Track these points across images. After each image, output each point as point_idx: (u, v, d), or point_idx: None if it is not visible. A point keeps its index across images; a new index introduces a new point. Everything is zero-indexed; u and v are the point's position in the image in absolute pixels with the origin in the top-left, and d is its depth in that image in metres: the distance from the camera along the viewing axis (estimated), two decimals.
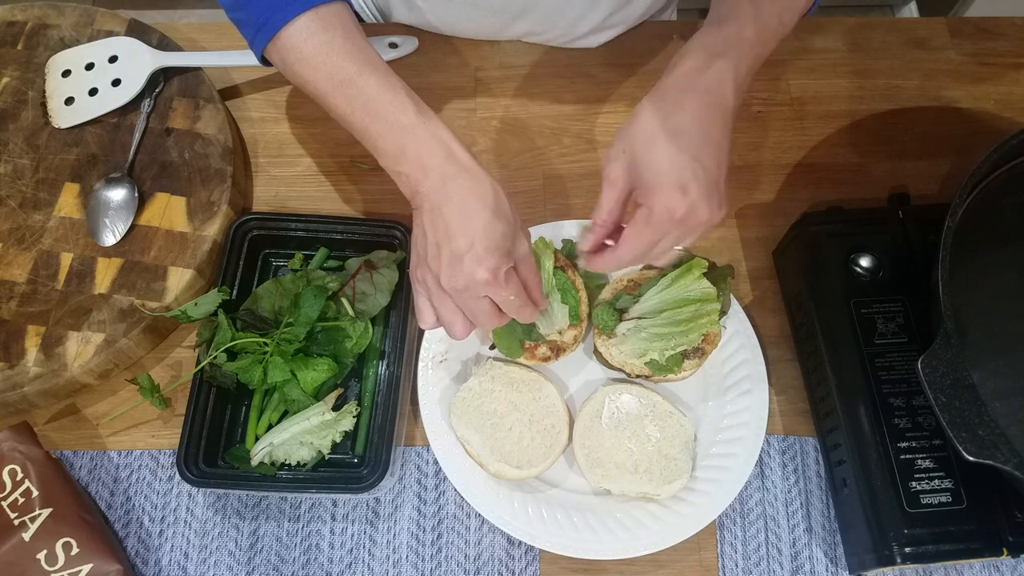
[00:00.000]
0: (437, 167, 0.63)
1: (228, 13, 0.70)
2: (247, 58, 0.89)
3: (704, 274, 0.74)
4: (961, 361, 0.60)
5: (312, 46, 0.65)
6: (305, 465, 0.73)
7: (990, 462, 0.58)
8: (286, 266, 0.82)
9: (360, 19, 1.04)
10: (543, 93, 0.93)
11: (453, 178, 0.63)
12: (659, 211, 0.61)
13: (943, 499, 0.67)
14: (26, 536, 0.69)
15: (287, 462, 0.72)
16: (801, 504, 0.76)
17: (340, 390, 0.75)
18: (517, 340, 0.74)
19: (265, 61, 0.70)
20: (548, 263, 0.75)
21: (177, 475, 0.74)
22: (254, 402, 0.75)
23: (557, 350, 0.75)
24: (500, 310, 0.65)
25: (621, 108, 0.92)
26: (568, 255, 0.78)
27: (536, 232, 0.81)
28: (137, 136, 0.84)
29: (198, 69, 0.88)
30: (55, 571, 0.68)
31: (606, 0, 0.87)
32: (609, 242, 0.67)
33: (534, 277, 0.68)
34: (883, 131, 0.92)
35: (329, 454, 0.74)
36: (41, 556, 0.68)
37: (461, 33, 0.95)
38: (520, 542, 0.74)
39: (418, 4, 0.91)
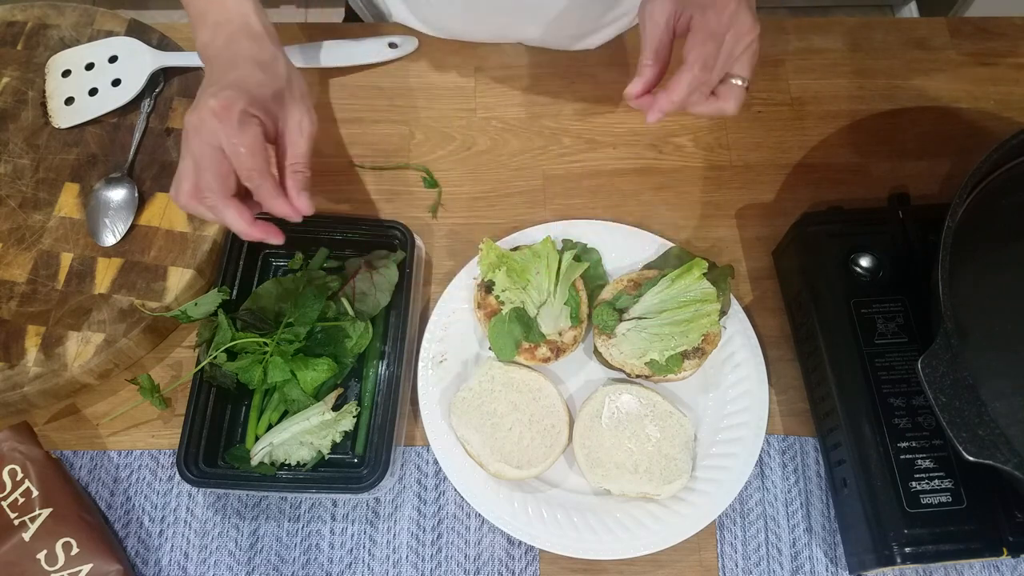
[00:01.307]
0: (226, 31, 0.66)
1: None
2: None
3: (704, 274, 0.74)
4: (961, 361, 0.60)
5: None
6: (305, 465, 0.73)
7: (990, 462, 0.58)
8: (286, 266, 0.82)
9: (359, 19, 1.04)
10: (543, 93, 0.93)
11: (237, 40, 0.65)
12: (713, 18, 0.62)
13: (943, 499, 0.67)
14: (26, 536, 0.69)
15: (287, 462, 0.72)
16: (801, 504, 0.76)
17: (340, 390, 0.75)
18: (512, 341, 0.74)
19: None
20: (553, 262, 0.76)
21: (177, 475, 0.74)
22: (254, 402, 0.75)
23: (557, 350, 0.76)
24: (227, 170, 0.61)
25: (621, 108, 0.92)
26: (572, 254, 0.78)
27: (537, 232, 0.82)
28: (137, 136, 0.84)
29: (198, 69, 0.88)
30: (55, 571, 0.68)
31: (598, 2, 0.87)
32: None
33: (296, 152, 0.64)
34: (883, 131, 0.92)
35: (329, 454, 0.74)
36: (41, 556, 0.68)
37: (459, 36, 0.95)
38: (520, 542, 0.74)
39: (418, 7, 0.91)
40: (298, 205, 0.64)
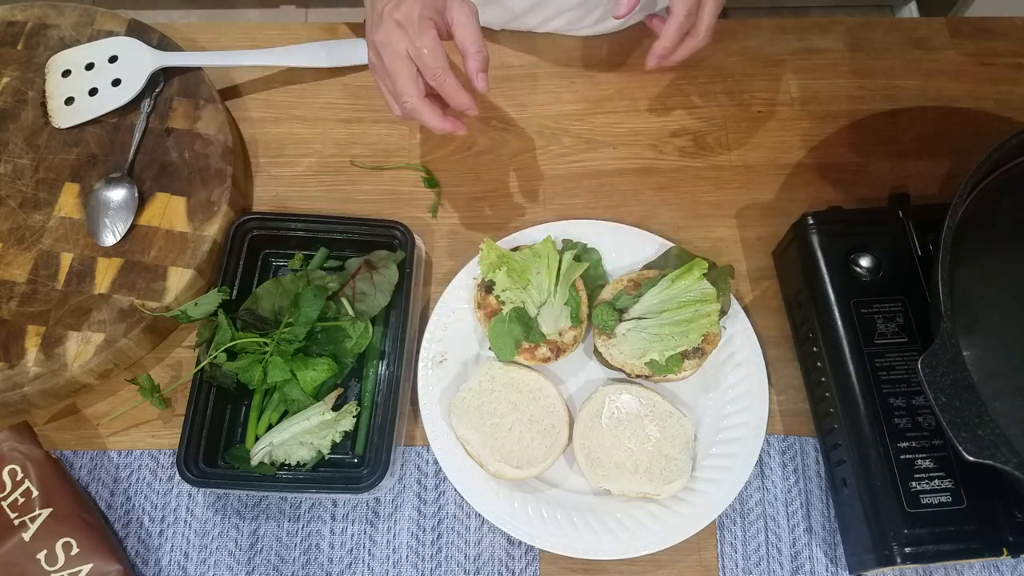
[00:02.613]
0: None
1: None
2: (247, 58, 0.89)
3: (704, 274, 0.74)
4: (961, 361, 0.60)
5: None
6: (305, 465, 0.73)
7: (990, 462, 0.58)
8: (286, 266, 0.82)
9: None
10: (543, 93, 0.93)
11: None
12: None
13: (943, 499, 0.67)
14: (26, 536, 0.69)
15: (287, 462, 0.72)
16: (801, 504, 0.76)
17: (340, 390, 0.75)
18: (512, 341, 0.74)
19: None
20: (554, 263, 0.76)
21: (177, 475, 0.74)
22: (254, 402, 0.75)
23: (557, 350, 0.76)
24: (415, 73, 0.67)
25: (621, 108, 0.92)
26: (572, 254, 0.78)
27: (537, 232, 0.82)
28: (137, 136, 0.84)
29: (198, 69, 0.88)
30: (55, 571, 0.68)
31: None
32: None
33: (468, 37, 0.68)
34: (883, 131, 0.92)
35: (329, 454, 0.74)
36: (41, 556, 0.68)
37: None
38: (520, 542, 0.74)
39: None
40: (478, 85, 0.69)
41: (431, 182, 0.87)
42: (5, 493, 0.70)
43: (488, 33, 0.96)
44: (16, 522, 0.69)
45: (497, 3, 0.91)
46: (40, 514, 0.70)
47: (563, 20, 0.94)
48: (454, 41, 0.69)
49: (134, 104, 0.85)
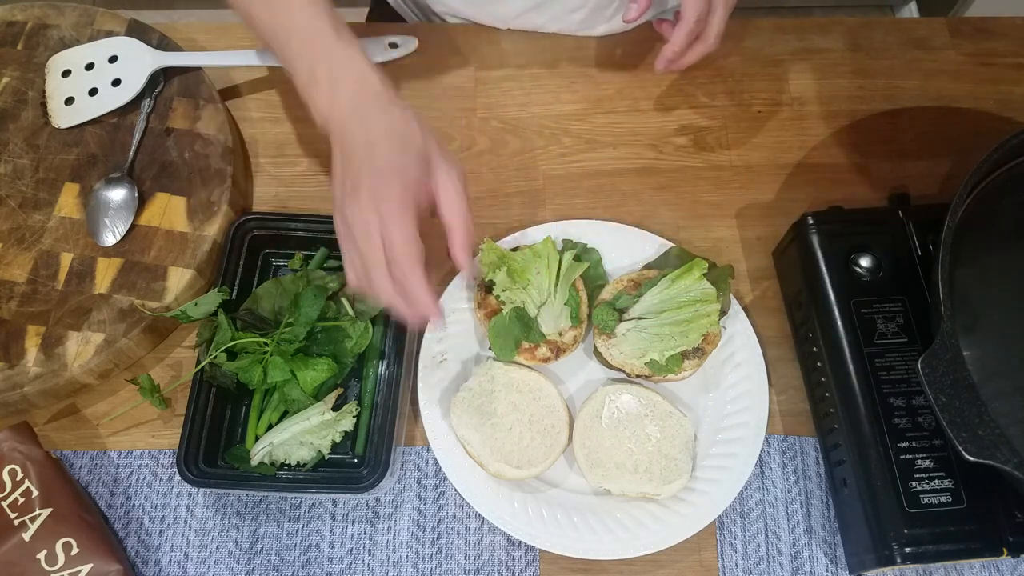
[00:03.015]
0: (347, 92, 0.61)
1: None
2: (247, 58, 0.89)
3: (704, 274, 0.74)
4: (961, 361, 0.60)
5: None
6: (305, 465, 0.73)
7: (990, 462, 0.58)
8: (286, 266, 0.82)
9: (396, 14, 1.04)
10: (543, 93, 0.93)
11: (363, 107, 0.61)
12: None
13: (943, 499, 0.67)
14: (26, 536, 0.69)
15: (287, 462, 0.72)
16: (801, 504, 0.76)
17: (340, 390, 0.75)
18: (512, 341, 0.74)
19: None
20: (554, 263, 0.76)
21: (177, 475, 0.74)
22: (254, 402, 0.75)
23: (557, 350, 0.76)
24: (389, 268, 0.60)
25: (621, 108, 0.92)
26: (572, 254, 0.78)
27: (537, 232, 0.82)
28: (137, 136, 0.84)
29: (198, 69, 0.88)
30: (55, 571, 0.68)
31: None
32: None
33: (452, 208, 0.62)
34: (883, 131, 0.92)
35: (329, 454, 0.74)
36: (41, 556, 0.68)
37: (472, 18, 0.95)
38: (520, 542, 0.74)
39: None
40: (460, 265, 0.64)
41: None
42: (5, 493, 0.70)
43: (490, 32, 0.96)
44: (16, 522, 0.69)
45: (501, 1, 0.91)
46: (40, 514, 0.70)
47: (572, 20, 0.94)
48: (438, 211, 0.63)
49: (134, 104, 0.85)
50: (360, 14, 1.23)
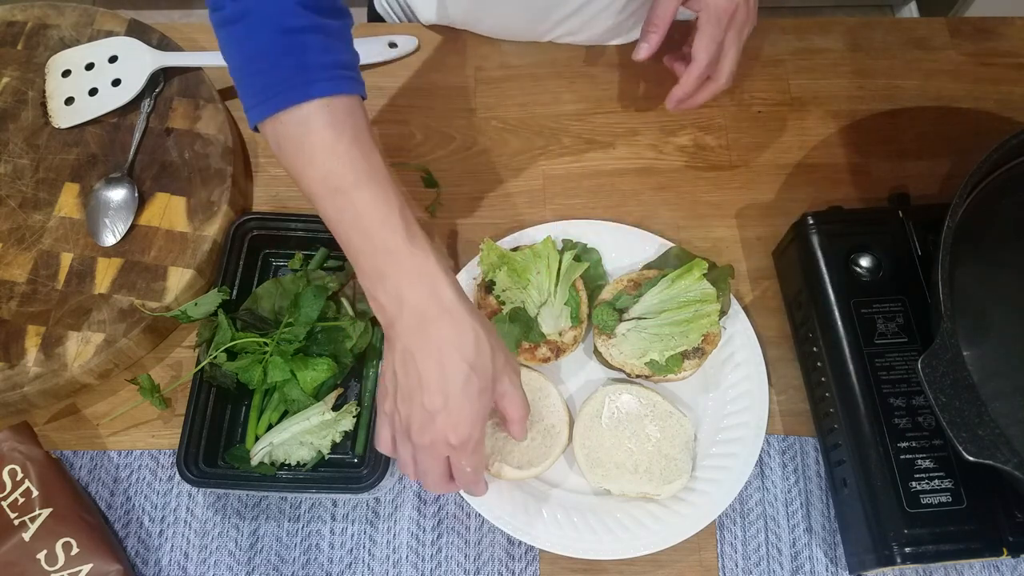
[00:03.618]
0: (415, 304, 0.58)
1: (231, 72, 0.63)
2: None
3: (704, 274, 0.74)
4: (961, 361, 0.60)
5: (314, 142, 0.59)
6: (305, 465, 0.73)
7: (990, 462, 0.58)
8: (286, 266, 0.82)
9: (381, 19, 1.03)
10: (543, 93, 0.93)
11: (431, 321, 0.58)
12: (714, 9, 0.72)
13: (943, 499, 0.67)
14: (26, 536, 0.69)
15: (287, 462, 0.72)
16: (801, 504, 0.76)
17: (340, 390, 0.75)
18: (512, 341, 0.74)
19: (256, 129, 0.62)
20: (554, 263, 0.76)
21: (177, 475, 0.74)
22: (254, 402, 0.75)
23: (557, 350, 0.76)
24: (451, 476, 0.62)
25: (621, 108, 0.92)
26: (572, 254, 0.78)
27: (537, 232, 0.82)
28: (137, 136, 0.84)
29: (198, 69, 0.88)
30: (55, 571, 0.68)
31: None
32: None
33: (516, 411, 0.63)
34: (883, 131, 0.92)
35: (329, 454, 0.74)
36: (41, 556, 0.68)
37: (489, 32, 0.95)
38: (520, 542, 0.74)
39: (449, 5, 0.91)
40: (517, 438, 0.66)
41: (431, 181, 0.87)
42: (5, 493, 0.70)
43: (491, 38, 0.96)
44: (16, 522, 0.69)
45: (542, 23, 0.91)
46: (40, 514, 0.70)
47: (595, 33, 0.94)
48: (499, 410, 0.64)
49: (134, 104, 0.85)
50: (359, 14, 1.23)
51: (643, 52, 0.74)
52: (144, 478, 0.76)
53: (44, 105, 0.85)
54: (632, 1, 0.88)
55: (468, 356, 0.58)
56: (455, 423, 0.58)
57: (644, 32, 0.75)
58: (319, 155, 0.59)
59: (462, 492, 0.71)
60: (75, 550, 0.69)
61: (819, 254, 0.76)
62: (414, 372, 0.58)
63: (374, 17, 1.06)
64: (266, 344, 0.73)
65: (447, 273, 0.60)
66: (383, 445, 0.63)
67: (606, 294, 0.78)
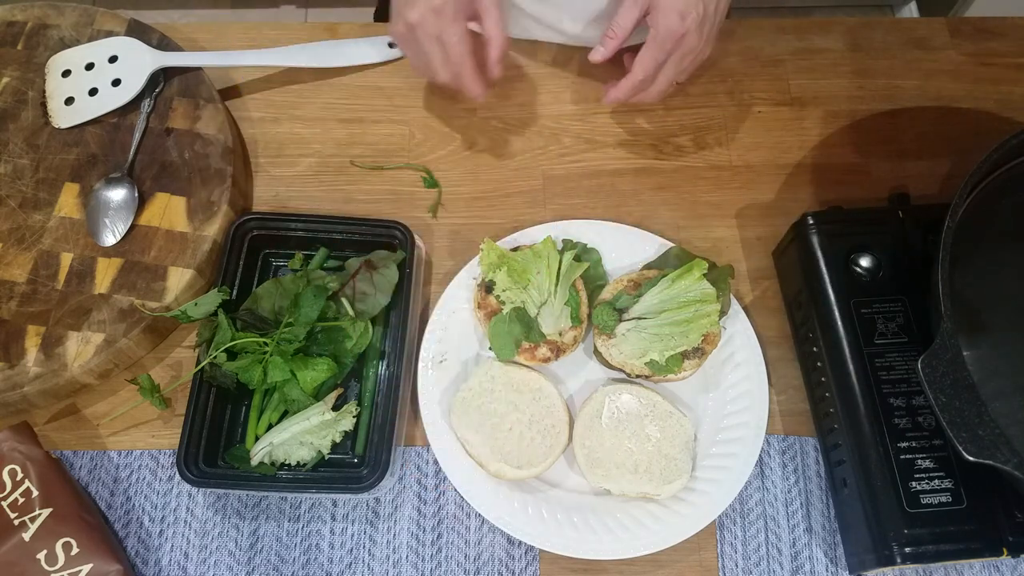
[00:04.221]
0: None
1: None
2: (247, 58, 0.89)
3: (704, 274, 0.74)
4: (961, 361, 0.60)
5: None
6: (305, 465, 0.73)
7: (990, 462, 0.58)
8: (286, 266, 0.82)
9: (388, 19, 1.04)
10: (543, 93, 0.93)
11: None
12: (663, 30, 0.74)
13: (943, 499, 0.67)
14: (26, 536, 0.69)
15: (287, 462, 0.72)
16: (801, 504, 0.76)
17: (340, 390, 0.75)
18: (512, 341, 0.74)
19: None
20: (554, 263, 0.76)
21: (177, 475, 0.74)
22: (254, 402, 0.75)
23: (557, 351, 0.76)
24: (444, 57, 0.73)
25: (621, 108, 0.92)
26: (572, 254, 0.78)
27: (537, 232, 0.82)
28: (137, 136, 0.84)
29: (198, 69, 0.88)
30: (55, 571, 0.68)
31: None
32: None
33: (495, 31, 0.75)
34: (883, 131, 0.92)
35: (329, 454, 0.74)
36: (41, 556, 0.68)
37: (542, 37, 0.96)
38: (520, 542, 0.74)
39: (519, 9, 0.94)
40: (494, 71, 0.77)
41: (431, 182, 0.87)
42: (5, 493, 0.70)
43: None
44: (16, 522, 0.69)
45: (556, 31, 0.93)
46: (40, 514, 0.70)
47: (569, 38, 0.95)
48: (480, 27, 0.75)
49: (134, 104, 0.85)
50: (366, 14, 1.23)
51: (597, 55, 0.78)
52: (144, 478, 0.76)
53: (44, 105, 0.85)
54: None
55: None
56: None
57: (603, 38, 0.78)
58: None
59: (434, 448, 0.71)
60: (75, 550, 0.69)
61: (819, 254, 0.76)
62: None
63: (381, 18, 1.06)
64: (266, 344, 0.73)
65: None
66: (396, 36, 0.77)
67: (606, 294, 0.78)
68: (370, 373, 0.77)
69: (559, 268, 0.76)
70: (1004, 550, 0.65)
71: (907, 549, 0.65)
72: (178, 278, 0.78)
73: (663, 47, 0.75)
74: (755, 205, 0.88)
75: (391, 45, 0.94)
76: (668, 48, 0.75)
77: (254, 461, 0.71)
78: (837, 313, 0.73)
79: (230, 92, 0.92)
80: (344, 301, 0.76)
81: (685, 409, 0.77)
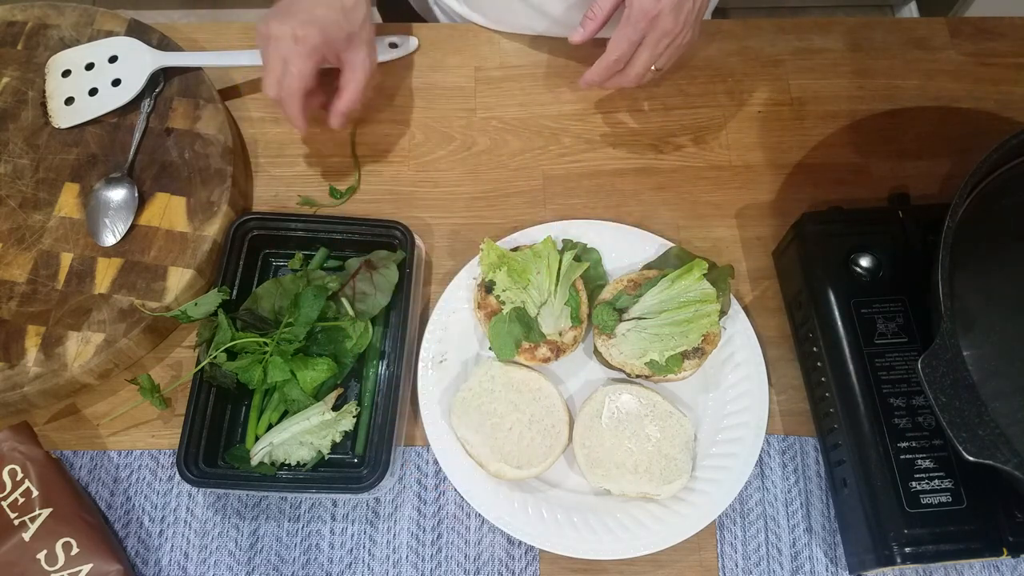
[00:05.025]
0: None
1: None
2: (247, 58, 0.89)
3: (704, 274, 0.74)
4: (961, 361, 0.60)
5: None
6: (305, 465, 0.73)
7: (990, 462, 0.58)
8: (286, 266, 0.82)
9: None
10: (543, 93, 0.93)
11: None
12: (636, 9, 0.74)
13: (943, 499, 0.67)
14: (26, 536, 0.69)
15: (287, 462, 0.72)
16: (801, 504, 0.76)
17: (340, 390, 0.75)
18: (512, 341, 0.74)
19: None
20: (554, 263, 0.76)
21: (177, 475, 0.74)
22: (254, 402, 0.75)
23: (557, 351, 0.76)
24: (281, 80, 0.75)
25: (621, 108, 0.92)
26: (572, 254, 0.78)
27: (537, 232, 0.82)
28: (137, 136, 0.84)
29: (198, 69, 0.88)
30: (55, 571, 0.68)
31: None
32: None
33: (350, 87, 0.78)
34: (883, 131, 0.92)
35: (329, 454, 0.74)
36: (41, 556, 0.68)
37: (510, 28, 0.96)
38: (520, 542, 0.74)
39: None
40: (333, 123, 0.80)
41: (335, 193, 0.87)
42: (5, 493, 0.70)
43: (490, 32, 0.96)
44: (16, 522, 0.69)
45: (540, 13, 0.92)
46: (40, 514, 0.70)
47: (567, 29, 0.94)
48: (338, 75, 0.78)
49: (134, 104, 0.85)
50: None
51: (576, 36, 0.79)
52: (144, 478, 0.76)
53: (44, 105, 0.85)
54: None
55: (345, 5, 0.76)
56: (306, 28, 0.73)
57: (583, 19, 0.78)
58: None
59: (434, 448, 0.74)
60: (75, 550, 0.69)
61: (819, 254, 0.76)
62: None
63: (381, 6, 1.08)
64: (266, 344, 0.73)
65: None
66: (257, 33, 0.77)
67: (606, 294, 0.78)
68: (370, 373, 0.77)
69: (559, 268, 0.76)
70: (1004, 550, 0.65)
71: (907, 549, 0.65)
72: (178, 278, 0.78)
73: (636, 26, 0.75)
74: (755, 205, 0.88)
75: (392, 45, 0.94)
76: (642, 28, 0.75)
77: (254, 461, 0.71)
78: (837, 313, 0.73)
79: (230, 92, 0.92)
80: (344, 301, 0.76)
81: (685, 409, 0.77)
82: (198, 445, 0.72)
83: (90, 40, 0.88)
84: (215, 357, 0.72)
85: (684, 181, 0.89)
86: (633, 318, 0.75)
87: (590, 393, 0.75)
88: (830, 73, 0.95)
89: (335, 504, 0.75)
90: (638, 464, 0.72)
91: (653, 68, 0.79)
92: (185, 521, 0.74)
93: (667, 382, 0.76)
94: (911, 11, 2.20)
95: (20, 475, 0.71)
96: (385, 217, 0.81)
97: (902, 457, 0.68)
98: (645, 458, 0.72)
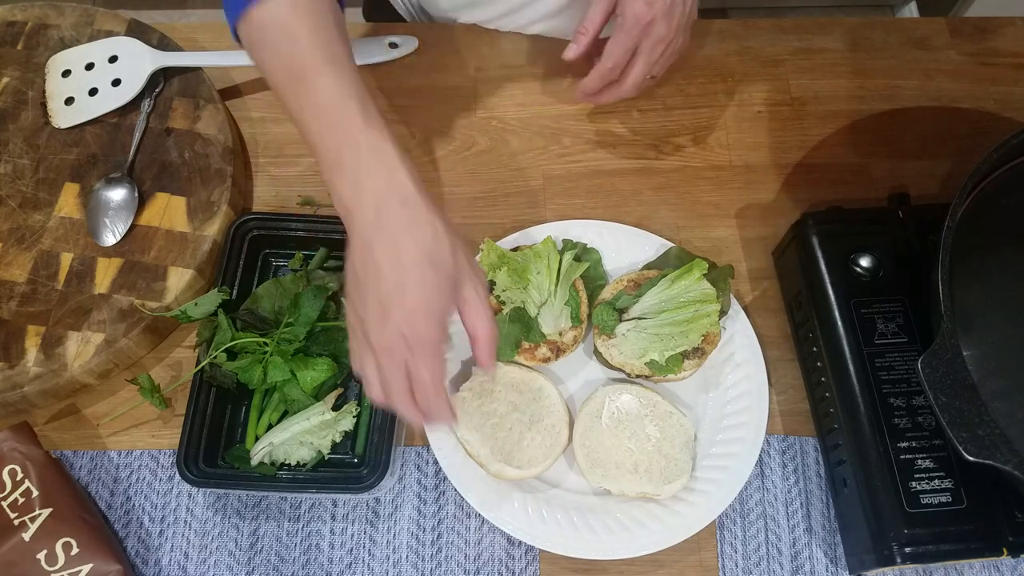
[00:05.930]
0: (372, 192, 0.57)
1: None
2: (247, 58, 0.89)
3: (704, 274, 0.74)
4: (961, 361, 0.60)
5: (276, 33, 0.59)
6: (305, 465, 0.73)
7: (990, 462, 0.58)
8: (286, 266, 0.82)
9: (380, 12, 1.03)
10: (543, 93, 0.93)
11: (389, 210, 0.57)
12: (629, 17, 0.73)
13: (943, 499, 0.67)
14: (26, 536, 0.69)
15: (287, 462, 0.72)
16: (801, 504, 0.76)
17: (340, 390, 0.75)
18: (512, 341, 0.74)
19: (238, 40, 0.64)
20: (554, 263, 0.76)
21: (177, 475, 0.74)
22: (254, 402, 0.75)
23: (557, 351, 0.76)
24: (413, 394, 0.58)
25: (621, 108, 0.92)
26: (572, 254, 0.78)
27: (537, 232, 0.82)
28: (137, 136, 0.84)
29: (198, 69, 0.88)
30: (55, 571, 0.68)
31: None
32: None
33: (482, 326, 0.59)
34: (883, 131, 0.92)
35: (329, 454, 0.74)
36: (41, 556, 0.68)
37: (457, 19, 0.96)
38: (520, 542, 0.74)
39: None
40: (486, 368, 0.62)
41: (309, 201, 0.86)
42: (5, 493, 0.70)
43: (490, 32, 0.96)
44: (16, 522, 0.69)
45: (488, 2, 0.92)
46: (40, 514, 0.70)
47: (547, 25, 0.94)
48: (462, 319, 0.60)
49: (134, 104, 0.85)
50: (355, 12, 1.23)
51: (570, 52, 0.78)
52: (144, 478, 0.76)
53: (44, 105, 0.85)
54: None
55: (425, 245, 0.56)
56: (410, 314, 0.55)
57: (575, 35, 0.78)
58: (282, 45, 0.60)
59: (434, 448, 0.72)
60: (75, 550, 0.69)
61: (819, 254, 0.76)
62: (371, 264, 0.56)
63: (370, 17, 1.06)
64: (266, 344, 0.73)
65: (404, 161, 0.58)
66: (356, 363, 0.60)
67: (606, 294, 0.78)
68: None
69: (559, 268, 0.76)
70: (1004, 550, 0.65)
71: (907, 549, 0.65)
72: (178, 278, 0.78)
73: (630, 33, 0.74)
74: (755, 205, 0.88)
75: (392, 45, 0.94)
76: (636, 35, 0.74)
77: (254, 461, 0.71)
78: (837, 313, 0.73)
79: (230, 92, 0.92)
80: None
81: (685, 409, 0.77)
82: (198, 445, 0.72)
83: (90, 40, 0.88)
84: (215, 357, 0.72)
85: (684, 181, 0.89)
86: (633, 318, 0.75)
87: (590, 393, 0.75)
88: (830, 73, 0.95)
89: (335, 504, 0.75)
90: (638, 464, 0.72)
91: (649, 76, 0.79)
92: (185, 521, 0.74)
93: (667, 382, 0.76)
94: (911, 11, 2.20)
95: (20, 475, 0.71)
96: None
97: (902, 457, 0.68)
98: (645, 458, 0.72)
